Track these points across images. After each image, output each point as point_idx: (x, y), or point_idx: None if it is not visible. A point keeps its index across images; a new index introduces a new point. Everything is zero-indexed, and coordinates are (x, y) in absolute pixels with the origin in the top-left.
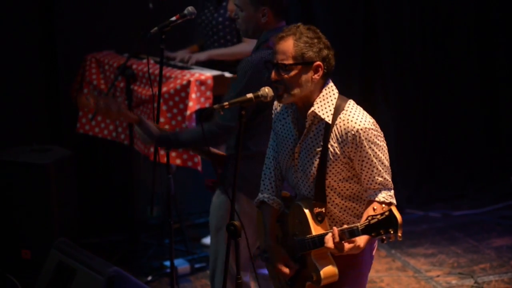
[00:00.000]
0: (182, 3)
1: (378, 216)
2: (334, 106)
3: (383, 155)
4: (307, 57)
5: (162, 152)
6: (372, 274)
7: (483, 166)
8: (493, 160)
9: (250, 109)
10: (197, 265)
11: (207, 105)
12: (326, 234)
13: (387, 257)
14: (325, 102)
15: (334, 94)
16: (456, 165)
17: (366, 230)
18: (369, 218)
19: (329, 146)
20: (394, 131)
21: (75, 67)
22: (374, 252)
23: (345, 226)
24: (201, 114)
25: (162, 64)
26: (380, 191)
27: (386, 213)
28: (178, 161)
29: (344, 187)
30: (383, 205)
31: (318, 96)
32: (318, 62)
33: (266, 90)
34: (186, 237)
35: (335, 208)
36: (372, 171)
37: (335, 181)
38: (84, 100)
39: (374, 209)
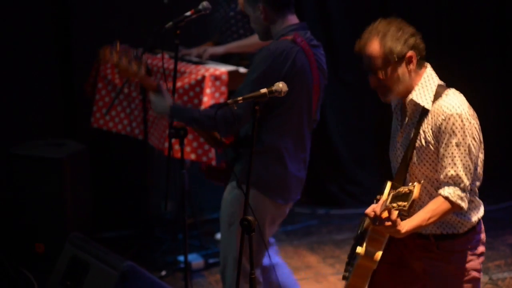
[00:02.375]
0: None
1: (405, 189)
2: (433, 93)
3: (468, 148)
4: (397, 51)
5: (176, 147)
6: None
7: (498, 162)
8: (508, 156)
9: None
10: (211, 260)
11: (221, 100)
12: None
13: None
14: (424, 90)
15: (434, 81)
16: None
17: (393, 200)
18: (400, 189)
19: (421, 131)
20: None
21: (90, 61)
22: (477, 263)
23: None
24: (216, 109)
25: (176, 59)
26: (448, 185)
27: (411, 188)
28: (192, 156)
29: (435, 175)
30: (446, 202)
31: (416, 83)
32: (409, 53)
33: (280, 85)
34: (200, 232)
35: (425, 194)
36: (447, 160)
37: (429, 169)
38: (108, 53)
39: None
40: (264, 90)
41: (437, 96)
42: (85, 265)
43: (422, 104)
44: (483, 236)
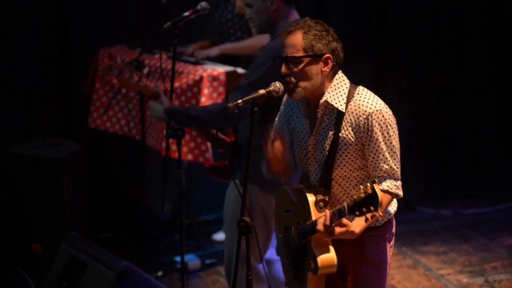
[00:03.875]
0: None
1: (362, 195)
2: (346, 94)
3: (394, 141)
4: (316, 49)
5: (174, 147)
6: None
7: (496, 164)
8: (506, 158)
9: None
10: (207, 261)
11: (219, 100)
12: (320, 218)
13: (398, 255)
14: (337, 92)
15: (345, 83)
16: (468, 163)
17: (351, 209)
18: (355, 197)
19: (341, 134)
20: (406, 129)
21: (87, 61)
22: (390, 254)
23: (336, 207)
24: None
25: (174, 59)
26: (385, 179)
27: (369, 191)
28: (189, 157)
29: (359, 176)
30: (386, 195)
31: (329, 86)
32: (328, 55)
33: (278, 85)
34: (196, 232)
35: (347, 197)
36: (378, 157)
37: (350, 170)
38: (107, 68)
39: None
40: (262, 91)
41: (350, 96)
42: (82, 265)
43: (336, 105)
44: (394, 229)
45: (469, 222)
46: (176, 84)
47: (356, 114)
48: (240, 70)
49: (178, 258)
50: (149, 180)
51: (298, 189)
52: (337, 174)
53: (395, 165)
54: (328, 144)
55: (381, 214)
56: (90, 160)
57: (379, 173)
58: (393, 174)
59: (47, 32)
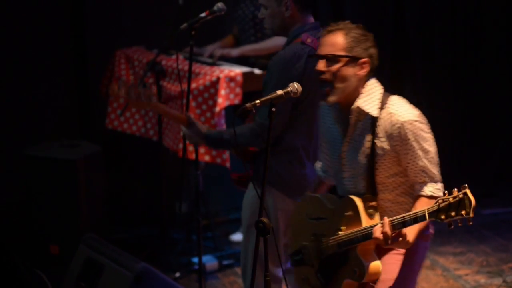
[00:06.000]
0: None
1: (450, 199)
2: (379, 100)
3: (430, 147)
4: (355, 52)
5: (191, 149)
6: None
7: None
8: None
9: (289, 103)
10: (225, 262)
11: (236, 101)
12: (375, 225)
13: None
14: (370, 97)
15: (379, 89)
16: (485, 163)
17: (433, 213)
18: (439, 201)
19: (376, 141)
20: None
21: (104, 62)
22: (425, 253)
23: (398, 216)
24: (235, 113)
25: (191, 60)
26: (426, 184)
27: (460, 196)
28: (207, 158)
29: (395, 182)
30: (432, 200)
31: (362, 91)
32: (365, 59)
33: (295, 86)
34: (214, 233)
35: (388, 203)
36: (418, 163)
37: (386, 176)
38: (115, 90)
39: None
40: (280, 92)
41: (383, 103)
42: (99, 266)
43: (368, 111)
44: (432, 228)
45: (486, 223)
46: (193, 85)
47: (389, 122)
48: (257, 71)
49: (195, 259)
50: (166, 181)
51: (336, 196)
52: (377, 182)
53: (434, 169)
54: (364, 150)
55: (472, 216)
56: (107, 161)
57: (420, 179)
58: (433, 177)
59: (64, 33)
